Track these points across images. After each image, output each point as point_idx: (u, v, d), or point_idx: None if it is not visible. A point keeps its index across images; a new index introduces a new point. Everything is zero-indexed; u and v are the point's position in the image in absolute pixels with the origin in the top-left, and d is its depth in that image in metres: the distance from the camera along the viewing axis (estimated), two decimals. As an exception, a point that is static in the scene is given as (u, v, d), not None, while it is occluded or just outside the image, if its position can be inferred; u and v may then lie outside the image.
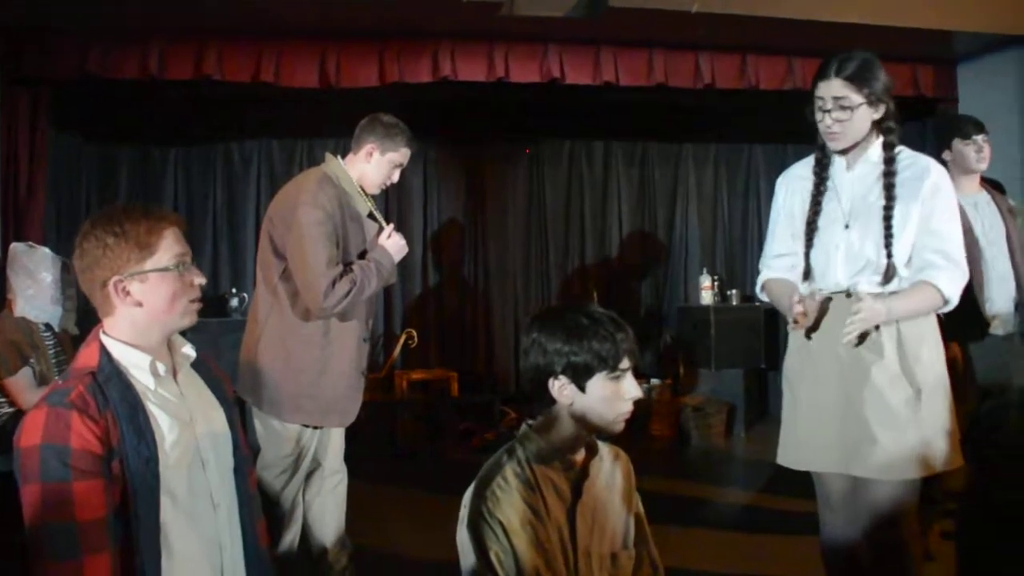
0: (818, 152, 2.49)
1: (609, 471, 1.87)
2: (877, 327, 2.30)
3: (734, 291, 6.75)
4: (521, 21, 4.53)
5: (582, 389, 1.71)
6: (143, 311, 1.71)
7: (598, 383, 1.71)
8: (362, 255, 2.92)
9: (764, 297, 2.63)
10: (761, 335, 6.46)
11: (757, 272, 2.68)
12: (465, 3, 4.28)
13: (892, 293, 2.32)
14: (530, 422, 1.82)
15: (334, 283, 2.70)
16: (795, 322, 2.32)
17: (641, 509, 1.92)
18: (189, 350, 1.84)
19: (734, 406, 6.24)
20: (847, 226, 2.39)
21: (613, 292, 7.01)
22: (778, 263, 2.56)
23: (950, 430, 2.32)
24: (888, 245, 2.31)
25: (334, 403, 2.85)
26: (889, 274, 2.32)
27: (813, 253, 2.45)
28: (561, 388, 1.72)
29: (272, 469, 2.84)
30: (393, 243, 2.99)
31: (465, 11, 4.40)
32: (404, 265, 6.42)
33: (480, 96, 5.60)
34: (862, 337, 2.29)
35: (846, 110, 2.32)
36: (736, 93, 5.40)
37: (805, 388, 2.45)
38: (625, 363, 1.73)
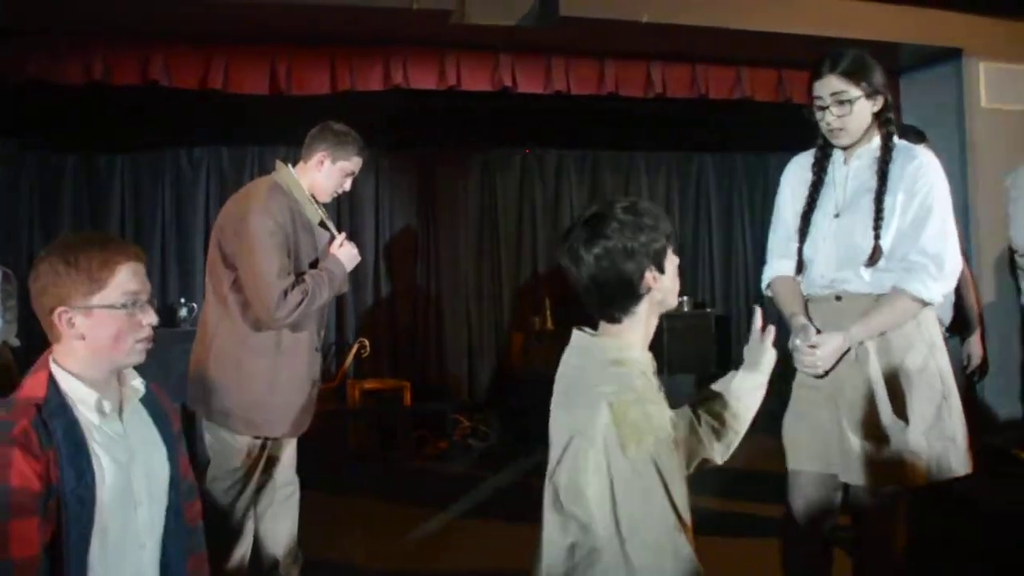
0: (818, 150, 2.51)
1: None
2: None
3: (685, 298, 6.82)
4: (472, 30, 4.54)
5: (663, 272, 1.73)
6: (85, 345, 1.67)
7: (670, 261, 1.75)
8: (314, 264, 2.90)
9: (769, 293, 2.62)
10: (713, 341, 6.55)
11: (761, 265, 2.68)
12: (416, 11, 4.27)
13: (871, 301, 2.34)
14: (589, 330, 1.78)
15: (285, 293, 2.68)
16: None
17: None
18: (138, 384, 1.80)
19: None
20: (837, 216, 2.42)
21: (566, 300, 7.01)
22: (791, 248, 2.55)
23: (952, 436, 2.32)
24: (877, 227, 2.32)
25: (286, 414, 2.82)
26: (875, 257, 2.32)
27: (805, 246, 2.47)
28: (654, 278, 1.72)
29: (222, 481, 2.79)
30: (345, 252, 2.97)
31: (416, 19, 4.39)
32: (356, 274, 6.36)
33: (432, 104, 5.58)
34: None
35: (845, 104, 2.34)
36: (687, 102, 5.46)
37: (797, 391, 2.50)
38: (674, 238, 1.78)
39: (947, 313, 3.61)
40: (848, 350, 2.33)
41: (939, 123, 5.10)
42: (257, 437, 2.81)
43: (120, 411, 1.75)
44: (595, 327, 1.80)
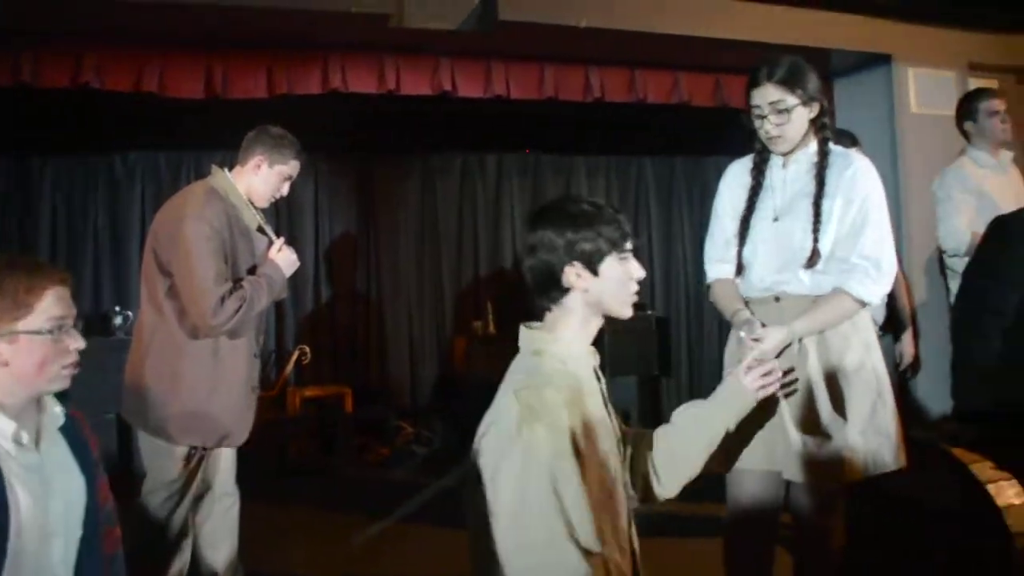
0: (756, 156, 2.55)
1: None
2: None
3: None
4: (411, 33, 4.50)
5: (595, 274, 1.76)
6: (8, 372, 1.61)
7: (610, 266, 1.77)
8: (252, 270, 2.86)
9: (712, 300, 2.65)
10: (654, 343, 6.61)
11: (702, 269, 2.71)
12: (354, 14, 4.24)
13: (811, 301, 2.38)
14: (531, 324, 1.83)
15: (223, 300, 2.64)
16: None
17: None
18: (58, 412, 1.75)
19: (628, 413, 6.36)
20: (776, 219, 2.46)
21: (507, 303, 7.02)
22: (730, 253, 2.58)
23: (887, 432, 2.38)
24: (816, 231, 2.37)
25: (225, 423, 2.77)
26: (813, 260, 2.37)
27: (745, 249, 2.51)
28: (577, 275, 1.75)
29: (158, 494, 2.73)
30: (283, 257, 2.95)
31: (355, 22, 4.35)
32: (296, 279, 6.28)
33: (372, 108, 5.54)
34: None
35: (783, 113, 2.39)
36: (625, 106, 5.51)
37: None
38: (629, 244, 1.81)
39: (880, 313, 3.70)
40: (788, 345, 2.37)
41: (871, 127, 5.21)
42: (195, 447, 2.75)
43: (37, 440, 1.69)
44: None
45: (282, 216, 6.60)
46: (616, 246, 1.77)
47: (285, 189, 3.00)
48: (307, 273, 6.73)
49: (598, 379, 1.83)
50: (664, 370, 7.20)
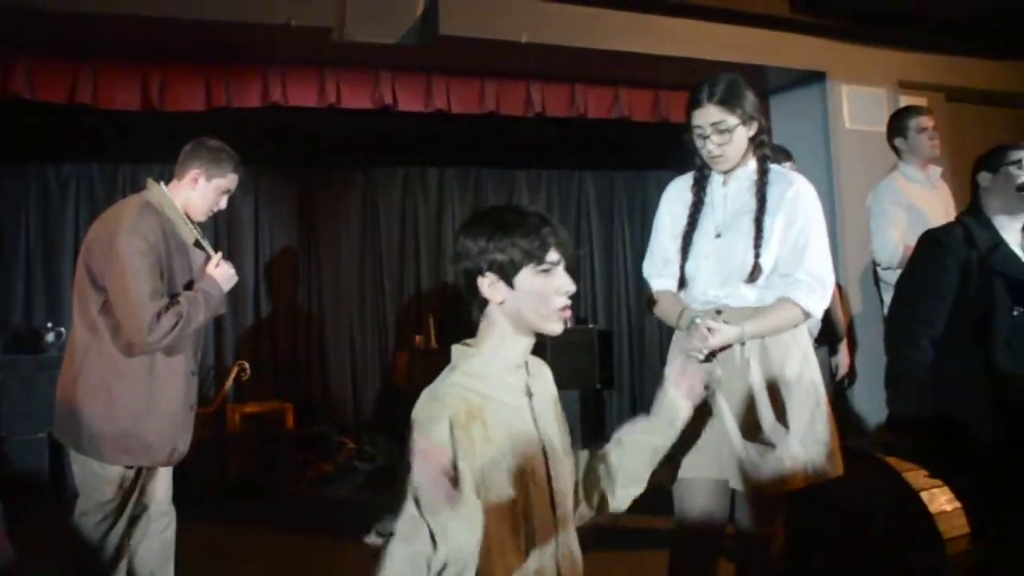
0: (696, 172, 2.58)
1: (541, 377, 1.87)
2: (743, 344, 2.41)
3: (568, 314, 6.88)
4: (352, 47, 4.49)
5: (511, 285, 1.71)
6: None
7: (527, 278, 1.71)
8: (189, 285, 2.81)
9: (661, 318, 2.65)
10: (595, 356, 6.64)
11: (642, 282, 2.72)
12: (294, 27, 4.20)
13: (755, 310, 2.43)
14: (467, 342, 1.79)
15: (159, 316, 2.59)
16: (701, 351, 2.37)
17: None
18: None
19: (571, 427, 6.35)
20: (718, 235, 2.49)
21: (449, 318, 7.00)
22: (669, 269, 2.61)
23: (824, 441, 2.43)
24: (757, 247, 2.41)
25: (160, 441, 2.71)
26: (755, 275, 2.41)
27: (687, 264, 2.53)
28: (491, 286, 1.72)
29: (92, 515, 2.66)
30: (221, 272, 2.91)
31: (295, 35, 4.31)
32: (235, 294, 6.18)
33: (312, 122, 5.50)
34: (711, 354, 2.39)
35: (724, 133, 2.43)
36: (566, 121, 5.55)
37: None
38: (553, 255, 1.73)
39: (815, 325, 3.77)
40: (730, 349, 2.41)
41: (806, 142, 5.33)
42: (130, 467, 2.68)
43: None
44: None
45: (221, 230, 6.50)
46: (533, 258, 1.70)
47: (223, 203, 2.96)
48: (247, 288, 6.62)
49: (528, 395, 1.78)
50: (607, 383, 7.24)
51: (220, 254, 2.96)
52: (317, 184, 7.01)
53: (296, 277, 6.92)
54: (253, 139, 5.14)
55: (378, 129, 5.95)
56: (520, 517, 1.67)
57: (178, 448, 2.78)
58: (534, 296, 1.72)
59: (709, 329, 2.35)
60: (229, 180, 2.92)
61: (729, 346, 2.40)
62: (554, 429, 1.83)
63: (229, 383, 5.93)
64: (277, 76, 4.73)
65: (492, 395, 1.71)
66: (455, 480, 1.59)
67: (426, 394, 1.68)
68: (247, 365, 6.02)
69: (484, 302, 1.74)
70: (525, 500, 1.69)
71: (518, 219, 1.72)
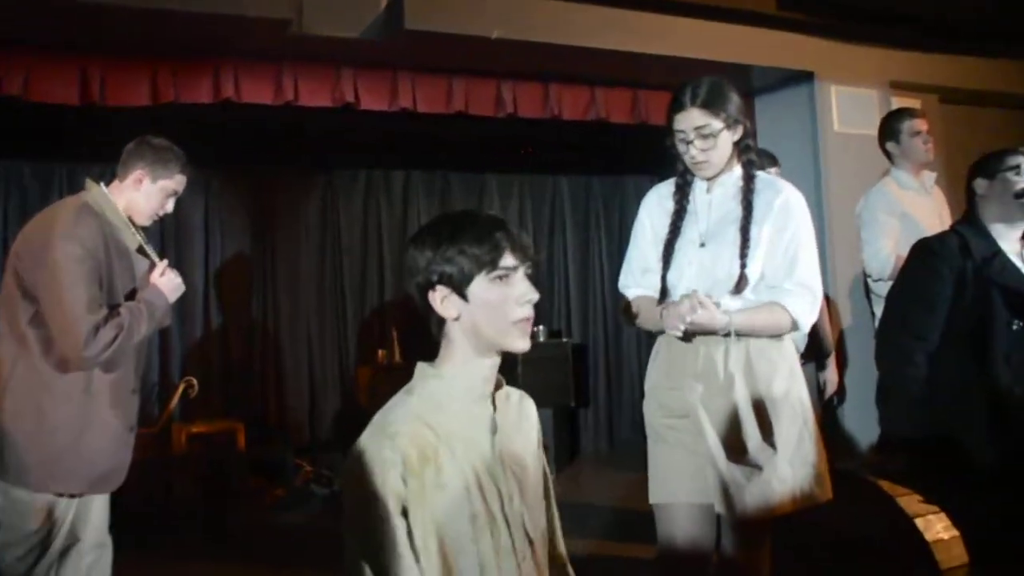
0: (678, 178, 2.59)
1: (517, 411, 1.81)
2: (726, 361, 2.41)
3: (541, 327, 6.85)
4: (312, 41, 4.45)
5: (464, 298, 1.65)
6: None
7: (480, 287, 1.64)
8: (131, 295, 2.76)
9: (641, 323, 2.64)
10: (569, 372, 6.62)
11: (616, 293, 2.74)
12: (250, 19, 4.16)
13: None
14: (430, 363, 1.74)
15: (97, 329, 2.53)
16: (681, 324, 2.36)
17: (546, 464, 1.88)
18: None
19: (545, 447, 6.33)
20: (702, 244, 2.50)
21: (415, 332, 6.96)
22: (647, 280, 2.62)
23: (812, 462, 2.43)
24: (743, 256, 2.41)
25: (97, 466, 2.64)
26: (741, 285, 2.41)
27: (670, 274, 2.53)
28: (443, 300, 1.65)
29: (16, 548, 2.58)
30: (167, 281, 2.86)
31: (250, 28, 4.27)
32: (182, 305, 6.14)
33: (268, 120, 5.45)
34: (688, 335, 2.39)
35: (709, 138, 2.44)
36: (539, 123, 5.54)
37: (659, 420, 2.53)
38: (509, 260, 1.65)
39: (802, 339, 3.77)
40: (714, 333, 2.40)
41: (793, 146, 5.36)
42: (60, 494, 2.61)
43: None
44: None
45: (167, 236, 6.44)
46: (484, 264, 1.63)
47: (170, 206, 2.92)
48: (195, 298, 6.56)
49: (492, 431, 1.70)
50: (581, 401, 7.23)
51: (166, 262, 2.92)
52: (273, 186, 6.96)
53: (249, 286, 6.87)
54: (203, 137, 5.08)
55: (339, 129, 5.92)
56: (478, 570, 1.61)
57: (115, 473, 2.72)
58: (489, 308, 1.65)
59: (700, 302, 2.34)
60: (176, 181, 2.87)
61: (713, 333, 2.40)
62: (526, 471, 1.76)
63: (175, 401, 5.85)
64: (230, 70, 4.67)
65: (451, 430, 1.64)
66: (403, 530, 1.54)
67: (377, 426, 1.62)
68: (195, 381, 5.94)
69: (440, 319, 1.68)
70: (487, 550, 1.63)
71: (467, 224, 1.66)
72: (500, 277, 1.64)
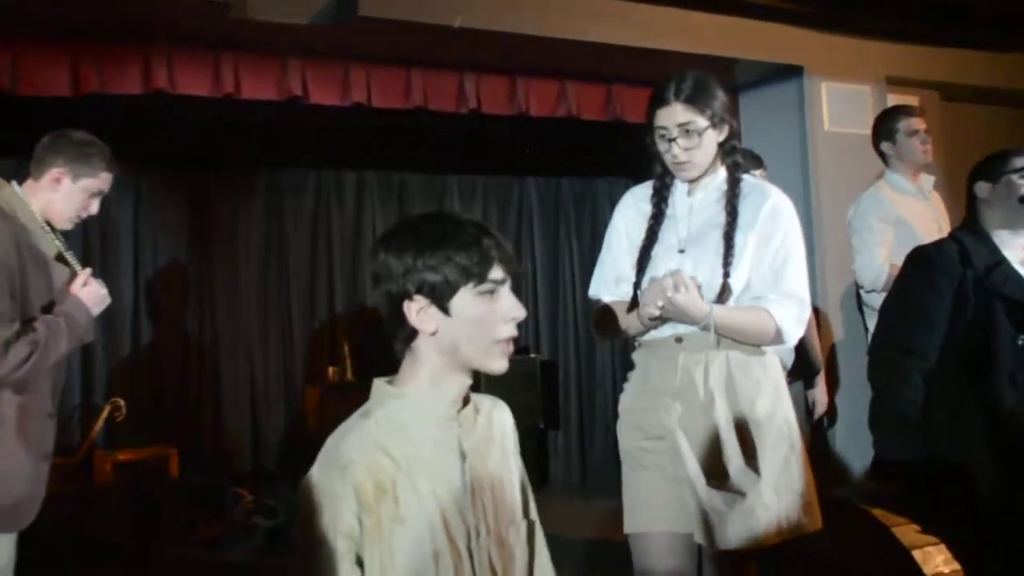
0: (657, 180, 2.60)
1: (488, 422, 1.78)
2: (706, 378, 2.42)
3: (507, 344, 6.86)
4: (255, 27, 4.42)
5: (446, 311, 1.61)
6: None
7: (465, 300, 1.61)
8: (49, 308, 2.71)
9: (614, 330, 2.64)
10: (538, 391, 6.63)
11: (586, 303, 2.74)
12: (185, 1, 4.13)
13: (719, 338, 2.45)
14: (388, 379, 1.71)
15: (7, 345, 2.49)
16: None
17: (525, 474, 1.86)
18: None
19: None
20: (682, 251, 2.52)
21: (369, 347, 6.93)
22: (620, 290, 2.63)
23: (799, 490, 2.44)
24: (727, 264, 2.43)
25: (2, 501, 2.58)
26: (723, 295, 2.44)
27: (645, 282, 2.53)
28: (420, 313, 1.61)
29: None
30: (90, 292, 2.83)
31: (185, 10, 4.24)
32: (108, 319, 6.06)
33: (207, 115, 5.40)
34: (662, 320, 2.41)
35: (693, 136, 2.46)
36: (505, 119, 5.54)
37: (634, 443, 2.53)
38: (497, 273, 1.63)
39: (788, 355, 3.78)
40: (693, 387, 2.41)
41: (780, 146, 5.39)
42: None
43: None
44: None
45: (92, 241, 6.36)
46: (472, 276, 1.60)
47: (94, 207, 2.90)
48: (123, 311, 6.48)
49: (462, 456, 1.67)
50: (551, 422, 7.22)
51: (89, 270, 2.89)
52: (211, 187, 6.91)
53: (184, 298, 6.80)
54: (132, 132, 5.02)
55: (285, 124, 5.90)
56: None
57: (25, 508, 2.66)
58: (473, 324, 1.63)
59: (684, 283, 2.35)
60: (101, 180, 2.86)
61: (694, 323, 2.40)
62: (502, 489, 1.74)
63: (99, 426, 5.78)
64: (163, 58, 4.61)
65: (412, 458, 1.61)
66: (356, 568, 1.53)
67: (329, 455, 1.59)
68: (122, 404, 5.88)
69: (411, 333, 1.64)
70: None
71: (453, 229, 1.62)
72: (488, 291, 1.63)
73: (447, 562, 1.59)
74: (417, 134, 6.30)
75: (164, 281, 6.74)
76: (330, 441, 1.61)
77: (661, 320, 2.42)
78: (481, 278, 1.61)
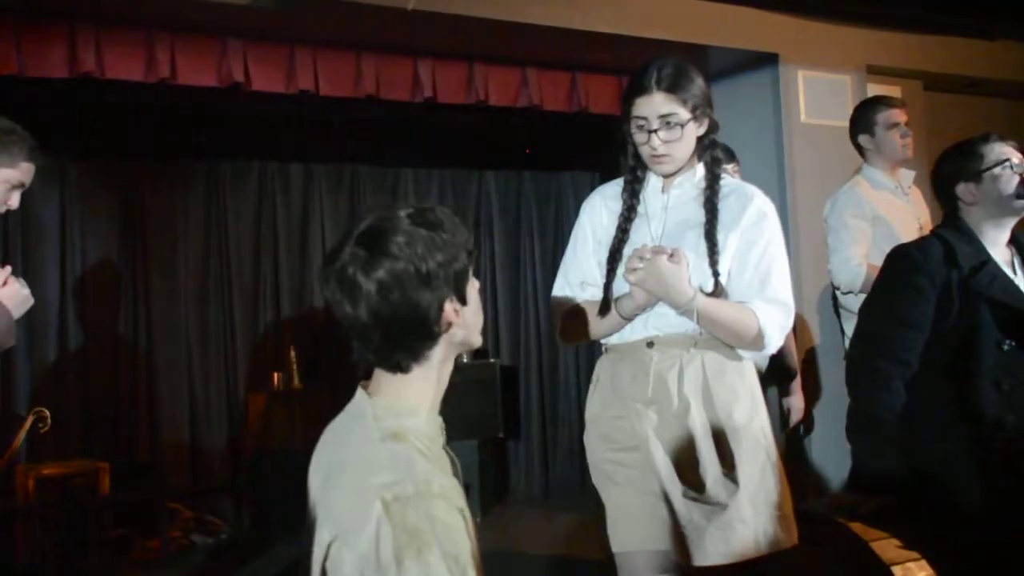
0: (628, 174, 2.60)
1: None
2: (680, 385, 2.43)
3: (464, 347, 6.85)
4: (192, 6, 4.39)
5: (465, 302, 1.68)
6: None
7: (472, 286, 1.70)
8: (-37, 310, 2.66)
9: (580, 332, 2.65)
10: (498, 398, 6.62)
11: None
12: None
13: (696, 341, 2.48)
14: (373, 384, 1.72)
15: (-83, 350, 2.44)
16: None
17: None
18: None
19: (468, 485, 6.31)
20: None
21: (318, 350, 6.88)
22: (585, 293, 2.63)
23: (775, 502, 2.46)
24: (714, 264, 2.45)
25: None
26: (716, 294, 2.45)
27: (617, 284, 2.53)
28: (455, 311, 1.66)
29: None
30: (10, 293, 2.81)
31: (116, -11, 4.20)
32: (31, 321, 5.98)
33: (139, 101, 5.35)
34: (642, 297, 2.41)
35: (674, 128, 2.45)
36: (463, 109, 5.53)
37: (606, 455, 2.53)
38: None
39: (764, 361, 3.80)
40: (667, 395, 2.42)
41: (754, 138, 5.43)
42: None
43: None
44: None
45: (12, 237, 6.29)
46: (471, 257, 1.69)
47: (14, 201, 2.85)
48: (48, 313, 6.41)
49: (453, 462, 1.72)
50: (511, 432, 7.21)
51: (9, 269, 2.86)
52: (145, 180, 6.84)
53: (117, 299, 6.74)
54: (58, 120, 4.95)
55: (226, 113, 5.86)
56: None
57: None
58: (475, 309, 1.72)
59: (671, 255, 2.36)
60: (21, 171, 2.82)
61: (675, 306, 2.41)
62: None
63: (21, 437, 5.67)
64: (90, 40, 4.57)
65: (441, 458, 1.66)
66: None
67: (410, 488, 1.52)
68: (47, 413, 5.74)
69: (434, 339, 1.66)
70: None
71: (442, 215, 1.68)
72: (474, 271, 1.72)
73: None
74: (368, 124, 6.28)
75: (93, 281, 6.67)
76: (376, 479, 1.54)
77: (648, 302, 2.41)
78: (472, 261, 1.70)
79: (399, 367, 1.66)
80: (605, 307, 2.55)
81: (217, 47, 4.86)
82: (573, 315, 2.65)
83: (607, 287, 2.56)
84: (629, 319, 2.51)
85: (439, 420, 1.72)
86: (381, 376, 1.70)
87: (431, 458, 1.61)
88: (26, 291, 2.85)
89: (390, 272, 1.58)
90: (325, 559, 1.55)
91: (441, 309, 1.63)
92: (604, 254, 2.60)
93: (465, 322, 1.68)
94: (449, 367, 1.73)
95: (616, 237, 2.58)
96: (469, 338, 1.72)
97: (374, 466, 1.56)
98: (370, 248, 1.60)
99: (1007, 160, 2.90)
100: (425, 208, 1.67)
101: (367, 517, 1.49)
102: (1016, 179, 2.87)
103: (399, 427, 1.63)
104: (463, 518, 1.55)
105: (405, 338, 1.64)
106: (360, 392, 1.72)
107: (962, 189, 2.94)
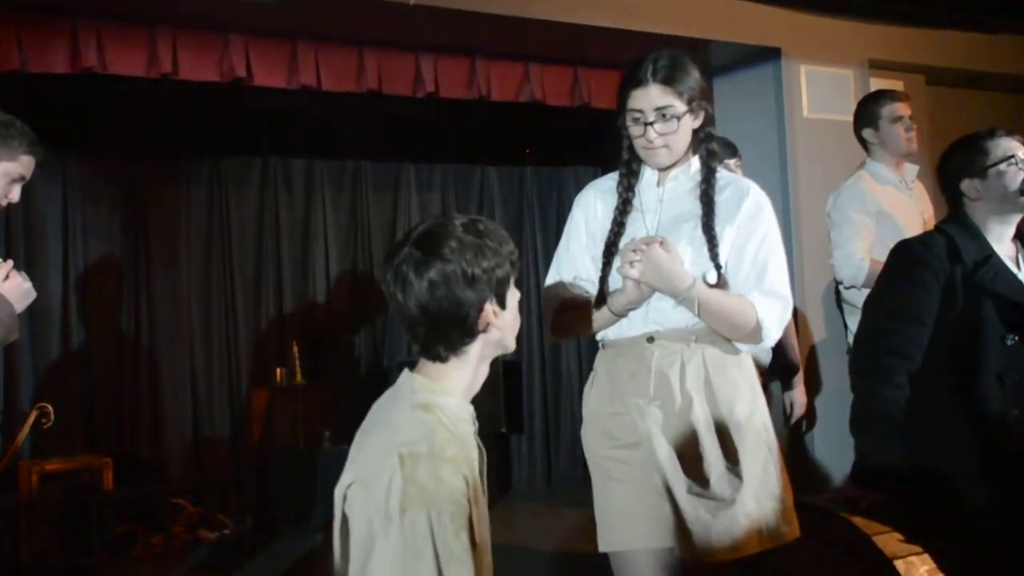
0: (623, 167, 2.58)
1: None
2: (682, 379, 2.42)
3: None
4: (194, 2, 4.40)
5: (504, 306, 1.87)
6: None
7: (512, 294, 1.89)
8: (-35, 305, 2.66)
9: (575, 327, 2.66)
10: (500, 394, 6.63)
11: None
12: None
13: (696, 334, 2.47)
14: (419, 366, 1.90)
15: (-80, 345, 2.43)
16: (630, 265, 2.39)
17: None
18: None
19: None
20: None
21: (321, 346, 6.91)
22: (578, 289, 2.62)
23: (777, 495, 2.45)
24: (715, 256, 2.44)
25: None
26: (720, 283, 2.44)
27: (612, 278, 2.52)
28: (494, 313, 1.84)
29: None
30: (13, 287, 2.80)
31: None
32: (34, 317, 5.98)
33: (142, 97, 5.35)
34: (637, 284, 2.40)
35: (671, 120, 2.44)
36: (465, 104, 5.53)
37: (604, 452, 2.53)
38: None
39: (766, 355, 3.80)
40: (669, 390, 2.41)
41: (757, 134, 5.42)
42: None
43: None
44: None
45: (14, 232, 6.30)
46: (514, 268, 1.87)
47: (15, 195, 2.85)
48: (51, 308, 6.42)
49: (480, 451, 1.91)
50: (514, 427, 7.22)
51: (11, 263, 2.85)
52: (148, 175, 6.86)
53: (119, 295, 6.76)
54: (59, 113, 4.95)
55: (228, 108, 5.86)
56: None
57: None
58: (513, 314, 1.91)
59: (661, 244, 2.36)
60: (22, 164, 2.82)
61: (674, 295, 2.40)
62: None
63: (24, 433, 5.68)
64: (91, 34, 4.57)
65: (472, 459, 1.83)
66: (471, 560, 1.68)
67: (421, 446, 1.71)
68: (50, 409, 5.76)
69: (472, 336, 1.85)
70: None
71: (491, 228, 1.86)
72: (516, 281, 1.89)
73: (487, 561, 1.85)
74: (370, 119, 6.28)
75: (96, 276, 6.68)
76: (399, 436, 1.74)
77: (640, 296, 2.40)
78: (516, 272, 1.89)
79: (439, 356, 1.85)
80: (600, 300, 2.55)
81: (219, 42, 4.86)
82: (565, 310, 2.64)
83: (603, 280, 2.56)
84: (620, 315, 2.51)
85: (471, 408, 1.90)
86: (424, 363, 1.88)
87: (455, 435, 1.78)
88: (28, 285, 2.85)
89: (440, 272, 1.78)
90: (344, 502, 1.74)
91: (481, 309, 1.82)
92: (598, 248, 2.59)
93: (502, 324, 1.87)
94: (485, 367, 1.92)
95: (612, 231, 2.57)
96: (505, 340, 1.91)
97: (400, 427, 1.77)
98: (425, 249, 1.80)
99: (1013, 156, 2.88)
100: (476, 219, 1.87)
101: (384, 467, 1.68)
102: (1022, 175, 2.86)
103: (431, 401, 1.82)
104: (467, 484, 1.72)
105: (447, 331, 1.83)
106: (405, 372, 1.89)
107: (967, 185, 2.93)
